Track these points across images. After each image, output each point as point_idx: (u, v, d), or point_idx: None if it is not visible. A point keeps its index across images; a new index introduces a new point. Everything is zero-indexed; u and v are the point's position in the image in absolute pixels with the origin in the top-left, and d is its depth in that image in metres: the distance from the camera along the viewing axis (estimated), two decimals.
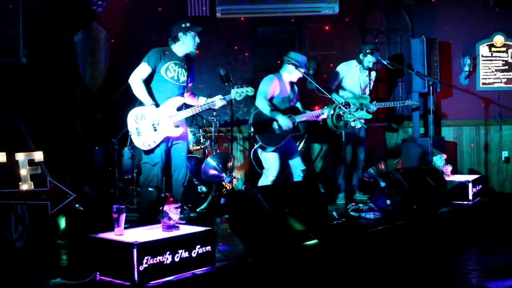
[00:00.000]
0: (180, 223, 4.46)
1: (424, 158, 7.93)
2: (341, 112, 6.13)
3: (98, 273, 4.17)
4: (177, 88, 5.58)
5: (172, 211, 4.40)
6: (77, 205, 5.65)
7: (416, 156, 8.11)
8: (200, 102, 5.80)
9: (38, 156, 4.46)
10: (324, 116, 6.55)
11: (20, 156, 4.40)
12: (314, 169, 8.66)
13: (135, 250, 3.91)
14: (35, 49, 5.63)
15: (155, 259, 4.03)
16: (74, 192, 5.63)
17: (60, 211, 5.23)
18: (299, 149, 7.25)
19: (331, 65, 8.20)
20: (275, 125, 6.43)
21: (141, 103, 5.47)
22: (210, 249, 4.40)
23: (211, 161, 6.02)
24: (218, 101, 5.67)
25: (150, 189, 5.35)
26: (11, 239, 3.38)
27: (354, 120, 6.85)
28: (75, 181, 6.00)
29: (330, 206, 6.91)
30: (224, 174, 5.89)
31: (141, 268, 3.94)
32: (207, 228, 4.47)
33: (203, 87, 8.00)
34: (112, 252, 4.12)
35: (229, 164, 6.04)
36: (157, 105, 5.45)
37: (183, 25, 5.57)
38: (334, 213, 6.32)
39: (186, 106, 5.71)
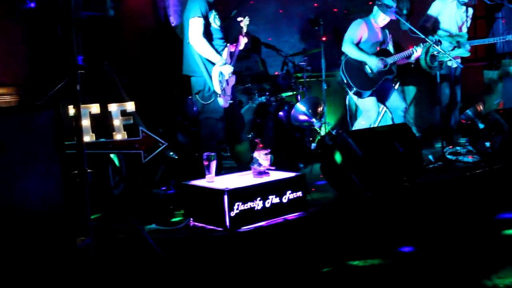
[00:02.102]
0: (270, 169, 4.46)
1: None
2: (435, 52, 5.86)
3: (191, 219, 4.26)
4: (223, 35, 5.31)
5: (262, 158, 4.40)
6: (171, 153, 5.75)
7: None
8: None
9: (130, 106, 4.55)
10: (417, 54, 6.23)
11: (113, 107, 4.51)
12: (409, 113, 8.40)
13: (225, 196, 3.96)
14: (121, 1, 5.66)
15: (245, 205, 4.06)
16: (167, 141, 5.77)
17: (156, 159, 5.38)
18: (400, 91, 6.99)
19: (426, 2, 7.82)
20: (367, 69, 6.24)
21: None
22: (301, 195, 4.39)
23: (300, 106, 5.95)
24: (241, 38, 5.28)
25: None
26: (105, 188, 3.47)
27: (449, 60, 6.55)
28: (169, 130, 6.10)
29: (427, 150, 6.72)
30: (314, 119, 5.81)
31: (232, 214, 3.98)
32: (298, 174, 4.46)
33: None
34: (204, 199, 4.19)
35: (319, 109, 5.95)
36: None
37: None
38: (431, 157, 6.13)
39: None
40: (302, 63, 7.28)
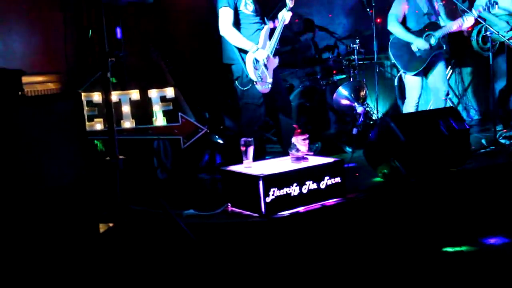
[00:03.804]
0: (308, 155, 4.42)
1: None
2: (488, 33, 5.63)
3: (229, 204, 4.29)
4: (259, 18, 5.21)
5: (300, 143, 4.38)
6: (217, 138, 5.78)
7: None
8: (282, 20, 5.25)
9: (170, 92, 4.59)
10: (467, 24, 5.90)
11: (153, 93, 4.56)
12: (467, 94, 8.16)
13: (260, 182, 3.95)
14: None
15: (281, 190, 4.04)
16: (214, 126, 5.80)
17: (202, 144, 5.43)
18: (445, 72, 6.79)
19: None
20: (414, 48, 6.06)
21: None
22: (340, 180, 4.33)
23: (342, 91, 5.85)
24: (284, 13, 5.16)
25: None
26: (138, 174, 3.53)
27: (510, 39, 6.29)
28: (216, 115, 6.13)
29: (484, 134, 6.51)
30: (356, 104, 5.71)
31: (267, 200, 3.97)
32: (336, 159, 4.40)
33: None
34: (241, 184, 4.20)
35: (362, 93, 5.83)
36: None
37: None
38: (483, 141, 5.94)
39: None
40: (354, 46, 7.15)
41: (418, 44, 5.97)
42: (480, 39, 6.09)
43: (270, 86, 5.08)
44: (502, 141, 5.92)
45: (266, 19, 5.21)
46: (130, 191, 4.03)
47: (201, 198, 4.61)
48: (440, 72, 6.18)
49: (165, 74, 5.68)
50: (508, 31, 6.55)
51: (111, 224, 3.31)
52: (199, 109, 5.77)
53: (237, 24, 5.09)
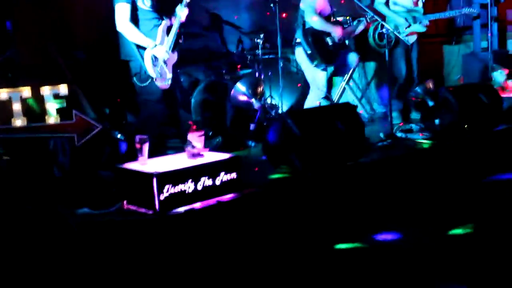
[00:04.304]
0: (204, 151, 4.44)
1: (485, 74, 7.50)
2: (384, 30, 5.81)
3: (125, 202, 4.25)
4: (157, 15, 5.13)
5: (195, 139, 4.39)
6: (119, 135, 5.70)
7: (477, 72, 7.68)
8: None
9: (64, 89, 4.50)
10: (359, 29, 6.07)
11: (46, 90, 4.46)
12: (370, 88, 8.38)
13: (154, 180, 3.95)
14: None
15: (176, 187, 4.05)
16: (115, 121, 5.70)
17: (102, 140, 5.34)
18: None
19: None
20: (328, 41, 6.17)
21: None
22: (235, 176, 4.38)
23: (240, 87, 5.89)
24: (179, 9, 5.11)
25: None
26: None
27: (408, 35, 6.50)
28: (117, 111, 6.04)
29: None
30: (253, 99, 5.75)
31: (161, 197, 3.97)
32: (232, 155, 4.44)
33: None
34: (135, 182, 4.17)
35: (259, 89, 5.89)
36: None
37: None
38: (381, 134, 6.12)
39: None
40: (259, 41, 7.21)
41: (337, 32, 6.07)
42: (376, 35, 6.27)
43: (169, 82, 5.06)
44: (399, 134, 6.12)
45: (164, 15, 5.14)
46: (22, 191, 3.94)
47: (96, 196, 4.54)
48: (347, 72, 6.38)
49: (64, 70, 5.55)
50: (406, 27, 6.79)
51: None
52: (98, 105, 5.68)
53: (134, 20, 5.00)
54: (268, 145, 4.97)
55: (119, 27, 4.98)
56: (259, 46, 7.15)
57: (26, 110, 4.40)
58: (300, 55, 6.46)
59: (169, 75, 5.06)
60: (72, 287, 3.51)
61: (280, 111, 6.87)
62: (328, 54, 6.24)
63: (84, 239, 3.66)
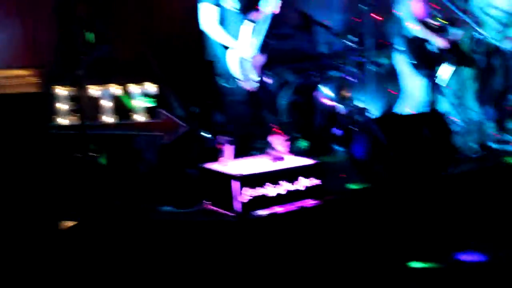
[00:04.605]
0: (287, 155, 4.42)
1: None
2: (480, 36, 5.53)
3: (207, 202, 4.29)
4: (244, 15, 5.02)
5: (279, 143, 4.36)
6: (206, 134, 5.75)
7: None
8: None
9: (152, 88, 4.60)
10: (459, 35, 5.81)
11: (135, 89, 4.57)
12: (465, 96, 8.05)
13: (235, 182, 3.96)
14: None
15: (257, 190, 4.05)
16: (203, 121, 5.77)
17: (191, 138, 5.42)
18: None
19: None
20: (429, 48, 5.98)
21: None
22: (318, 182, 4.33)
23: (326, 91, 5.79)
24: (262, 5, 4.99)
25: None
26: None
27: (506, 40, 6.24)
28: (206, 110, 6.10)
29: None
30: (339, 104, 5.62)
31: (242, 200, 3.98)
32: (316, 161, 4.38)
33: None
34: (217, 183, 4.20)
35: (346, 94, 5.77)
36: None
37: None
38: (473, 144, 5.87)
39: None
40: (350, 43, 7.07)
41: (438, 42, 5.92)
42: (473, 41, 6.03)
43: (255, 84, 5.06)
44: (494, 145, 5.84)
45: (251, 17, 5.11)
46: (109, 187, 4.04)
47: (180, 194, 4.60)
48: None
49: (155, 69, 5.66)
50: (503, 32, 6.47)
51: (74, 222, 3.32)
52: (188, 104, 5.76)
53: (221, 20, 4.99)
54: (354, 152, 4.87)
55: (204, 27, 4.96)
56: (350, 48, 7.02)
57: (116, 108, 4.53)
58: (401, 62, 6.28)
59: (255, 77, 5.05)
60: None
61: (369, 115, 6.73)
62: (429, 61, 6.05)
63: (164, 237, 3.70)
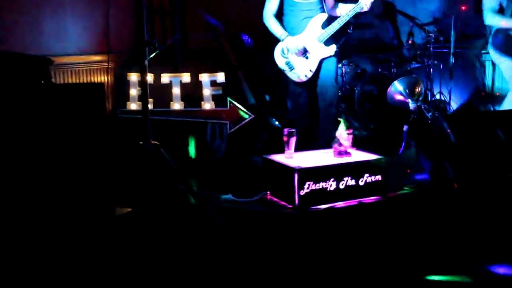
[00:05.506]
0: (352, 150, 4.39)
1: None
2: None
3: (268, 192, 4.33)
4: (314, 6, 4.93)
5: (343, 137, 4.34)
6: (275, 122, 5.79)
7: None
8: (342, 11, 5.01)
9: (221, 77, 4.67)
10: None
11: (204, 77, 4.66)
12: None
13: (296, 175, 3.98)
14: None
15: (317, 184, 4.05)
16: (275, 111, 5.81)
17: (259, 126, 5.47)
18: None
19: None
20: None
21: None
22: (380, 178, 4.28)
23: (397, 85, 5.65)
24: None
25: None
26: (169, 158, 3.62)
27: None
28: (277, 98, 6.13)
29: None
30: (409, 100, 5.49)
31: (302, 193, 4.00)
32: (378, 157, 4.34)
33: None
34: (279, 175, 4.23)
35: (417, 90, 5.62)
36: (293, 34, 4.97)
37: None
38: None
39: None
40: (431, 34, 6.88)
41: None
42: None
43: (306, 76, 4.95)
44: None
45: (325, 7, 5.01)
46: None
47: (242, 183, 4.66)
48: None
49: (229, 56, 5.74)
50: None
51: (129, 209, 3.43)
52: (260, 92, 5.81)
53: (282, 11, 4.98)
54: (420, 148, 4.78)
55: (264, 19, 4.98)
56: (432, 39, 6.83)
57: (184, 95, 4.64)
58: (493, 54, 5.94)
59: (304, 70, 4.94)
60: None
61: (447, 109, 6.56)
62: None
63: (221, 225, 3.76)
